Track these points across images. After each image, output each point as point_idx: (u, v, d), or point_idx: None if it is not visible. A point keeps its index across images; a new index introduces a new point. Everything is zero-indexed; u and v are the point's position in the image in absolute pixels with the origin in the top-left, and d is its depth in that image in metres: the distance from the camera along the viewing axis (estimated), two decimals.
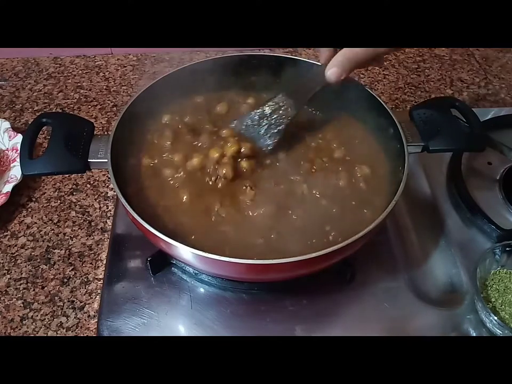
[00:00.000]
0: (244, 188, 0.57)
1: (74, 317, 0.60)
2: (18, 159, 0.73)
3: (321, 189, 0.58)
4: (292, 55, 0.69)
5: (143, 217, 0.50)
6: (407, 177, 0.54)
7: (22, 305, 0.61)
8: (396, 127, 0.60)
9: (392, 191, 0.55)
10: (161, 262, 0.61)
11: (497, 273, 0.61)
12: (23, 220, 0.71)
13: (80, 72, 0.97)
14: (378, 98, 0.62)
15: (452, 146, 0.61)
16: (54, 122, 0.58)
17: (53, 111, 0.87)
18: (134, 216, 0.50)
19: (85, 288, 0.63)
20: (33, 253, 0.67)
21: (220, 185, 0.58)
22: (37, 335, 0.58)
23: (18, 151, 0.69)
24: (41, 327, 0.59)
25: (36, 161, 0.55)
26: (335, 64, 0.53)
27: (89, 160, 0.56)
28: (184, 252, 0.49)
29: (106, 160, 0.55)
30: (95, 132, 0.59)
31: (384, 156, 0.62)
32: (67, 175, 0.76)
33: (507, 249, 0.60)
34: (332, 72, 0.54)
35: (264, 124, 0.60)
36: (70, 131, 0.57)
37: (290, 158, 0.61)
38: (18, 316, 0.60)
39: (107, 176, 0.77)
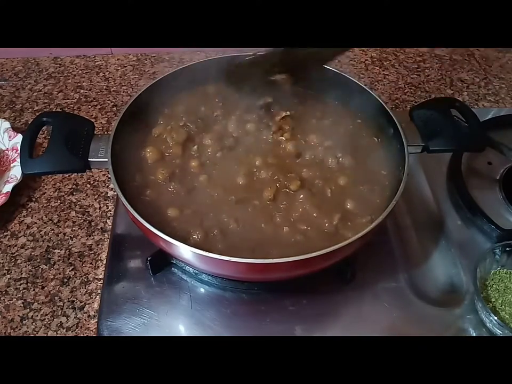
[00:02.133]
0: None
1: (74, 317, 0.60)
2: (18, 159, 0.73)
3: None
4: None
5: (143, 216, 0.50)
6: (407, 177, 0.54)
7: (22, 305, 0.61)
8: (396, 127, 0.60)
9: (392, 191, 0.55)
10: (161, 262, 0.61)
11: (497, 273, 0.61)
12: (23, 220, 0.71)
13: (80, 72, 0.97)
14: (378, 99, 0.62)
15: (451, 146, 0.61)
16: (54, 122, 0.58)
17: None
18: (134, 215, 0.50)
19: (85, 288, 0.63)
20: (33, 253, 0.67)
21: None
22: (37, 335, 0.58)
23: (18, 151, 0.69)
24: (41, 327, 0.59)
25: (36, 160, 0.56)
26: None
27: (89, 159, 0.56)
28: (184, 251, 0.49)
29: (106, 160, 0.55)
30: (95, 132, 0.59)
31: (384, 156, 0.62)
32: (67, 175, 0.76)
33: (507, 249, 0.60)
34: None
35: None
36: (70, 130, 0.57)
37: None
38: (18, 316, 0.60)
39: (107, 176, 0.77)
